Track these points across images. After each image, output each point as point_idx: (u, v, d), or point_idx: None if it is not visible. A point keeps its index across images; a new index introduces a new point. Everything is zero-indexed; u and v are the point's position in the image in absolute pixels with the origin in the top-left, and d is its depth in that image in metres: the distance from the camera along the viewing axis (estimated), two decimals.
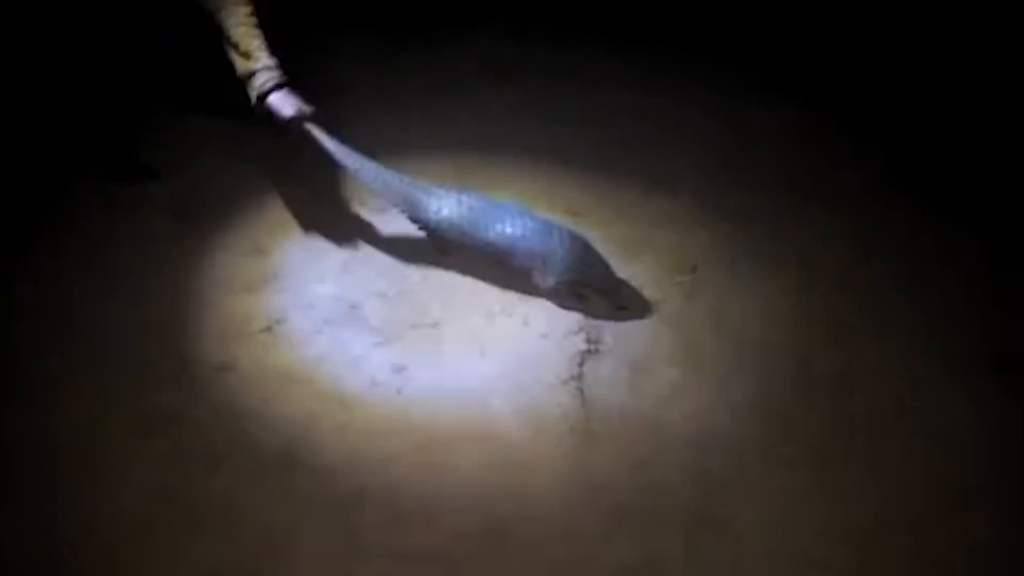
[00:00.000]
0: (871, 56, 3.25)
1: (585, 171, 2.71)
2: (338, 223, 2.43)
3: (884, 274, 2.39)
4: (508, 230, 2.17)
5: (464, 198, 2.21)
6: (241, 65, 2.15)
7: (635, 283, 2.30)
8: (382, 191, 2.25)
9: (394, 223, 2.37)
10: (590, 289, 2.22)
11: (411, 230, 2.29)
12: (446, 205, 2.20)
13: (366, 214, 2.46)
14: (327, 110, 2.25)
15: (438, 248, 2.29)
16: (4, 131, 2.51)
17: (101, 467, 1.78)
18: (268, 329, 2.11)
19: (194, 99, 2.72)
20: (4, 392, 1.92)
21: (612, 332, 2.17)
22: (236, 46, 2.14)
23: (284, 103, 2.14)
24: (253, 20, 2.16)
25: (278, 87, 2.13)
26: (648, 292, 2.28)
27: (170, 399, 1.92)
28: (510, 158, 2.74)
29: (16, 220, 2.38)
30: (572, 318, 2.20)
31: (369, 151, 2.27)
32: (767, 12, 3.47)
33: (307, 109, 2.16)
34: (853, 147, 2.91)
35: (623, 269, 2.32)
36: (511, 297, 2.25)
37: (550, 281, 2.19)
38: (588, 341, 2.14)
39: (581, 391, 2.02)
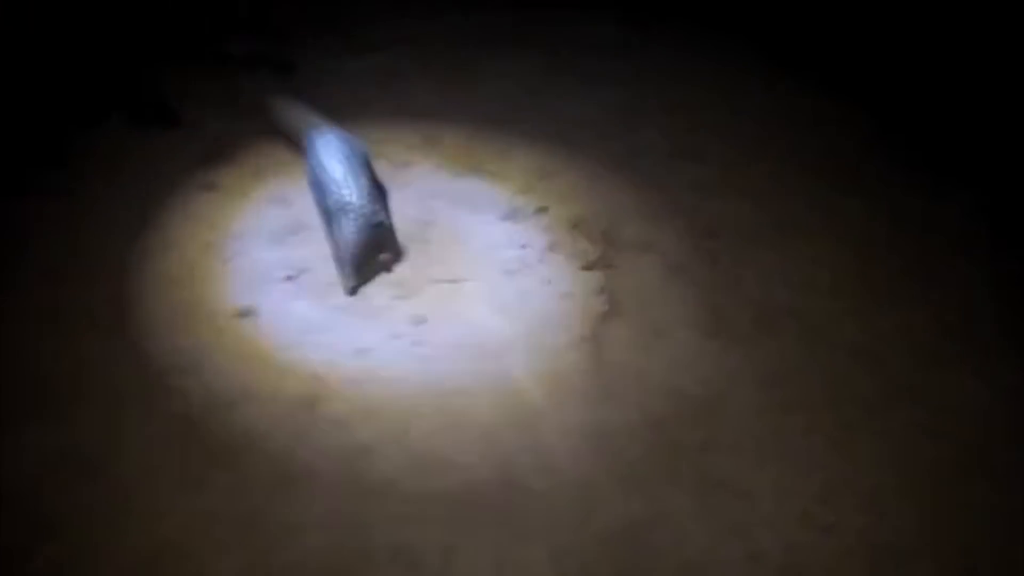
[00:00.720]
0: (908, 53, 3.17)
1: (608, 135, 2.68)
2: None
3: (906, 251, 2.35)
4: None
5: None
6: None
7: (663, 247, 2.28)
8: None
9: (416, 179, 2.38)
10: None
11: (433, 187, 2.30)
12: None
13: (389, 169, 2.47)
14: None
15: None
16: (40, 74, 2.55)
17: (126, 396, 1.83)
18: (290, 278, 2.14)
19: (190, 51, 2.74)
20: (36, 326, 1.98)
21: (633, 295, 2.17)
22: None
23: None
24: None
25: None
26: (672, 257, 2.26)
27: (193, 341, 1.97)
28: (531, 125, 2.73)
29: (49, 163, 2.44)
30: (593, 280, 2.20)
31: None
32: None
33: None
34: (881, 132, 2.85)
35: (645, 233, 2.31)
36: (532, 256, 2.25)
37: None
38: (608, 303, 2.14)
39: (599, 350, 2.02)
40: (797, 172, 2.61)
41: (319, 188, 2.17)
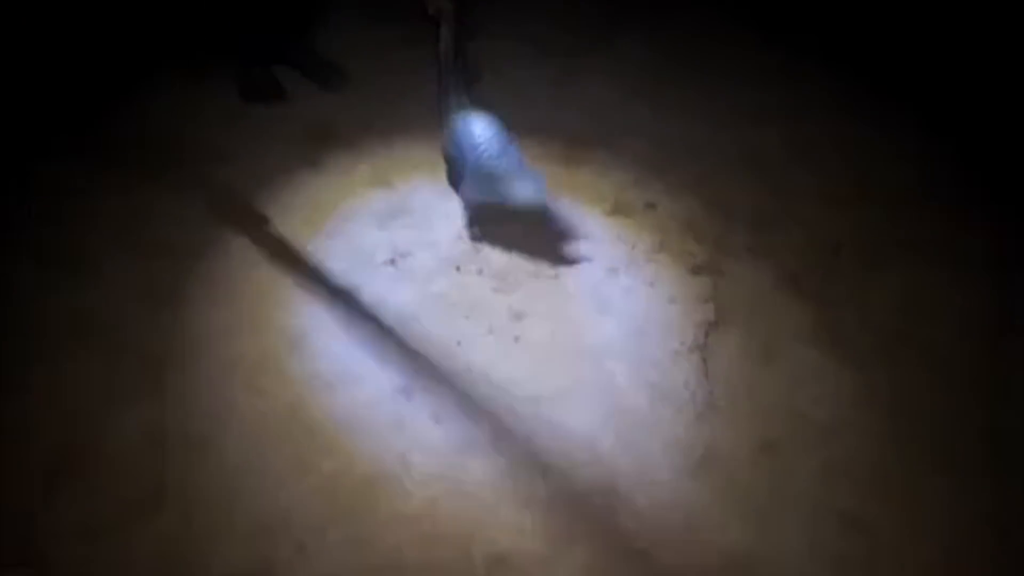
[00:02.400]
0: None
1: (726, 133, 2.54)
2: None
3: None
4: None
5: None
6: None
7: (775, 257, 2.15)
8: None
9: None
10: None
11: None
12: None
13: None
14: None
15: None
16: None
17: (233, 373, 1.84)
18: (392, 262, 2.11)
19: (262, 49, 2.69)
20: (152, 295, 2.01)
21: (743, 305, 2.04)
22: None
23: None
24: None
25: None
26: (787, 268, 2.13)
27: (297, 320, 1.96)
28: (645, 116, 2.61)
29: (155, 133, 2.47)
30: (702, 284, 2.09)
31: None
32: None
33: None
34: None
35: (759, 240, 2.18)
36: (636, 255, 2.16)
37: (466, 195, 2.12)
38: (717, 311, 2.03)
39: (706, 363, 1.92)
40: (927, 189, 2.41)
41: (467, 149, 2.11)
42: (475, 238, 2.16)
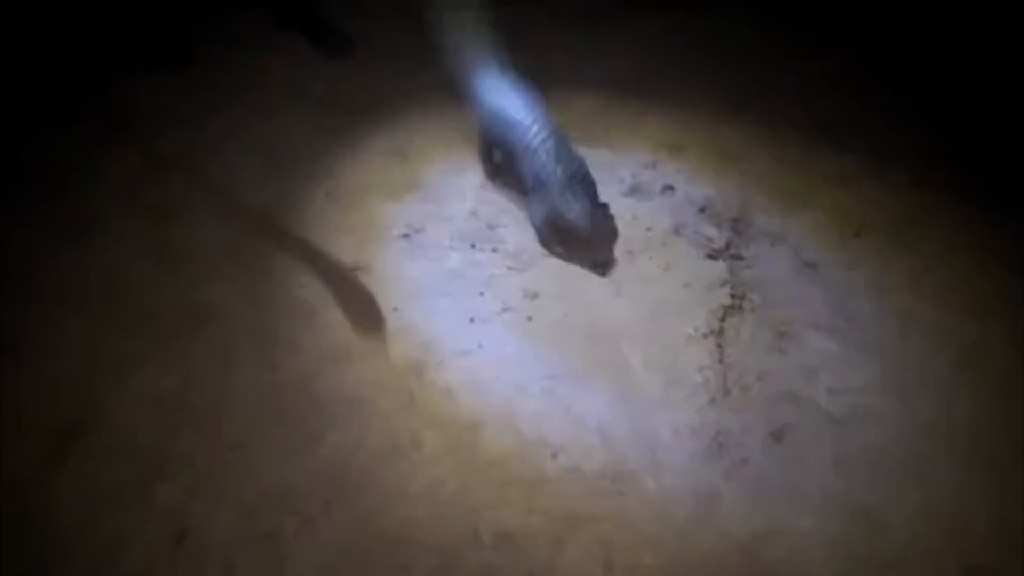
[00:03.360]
0: None
1: (748, 109, 2.49)
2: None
3: None
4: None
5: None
6: None
7: (793, 242, 2.11)
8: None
9: None
10: (570, 238, 2.03)
11: None
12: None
13: None
14: None
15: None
16: None
17: (241, 342, 1.83)
18: (406, 236, 2.08)
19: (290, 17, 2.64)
20: (162, 261, 1.99)
21: (760, 291, 2.02)
22: None
23: None
24: None
25: None
26: (806, 253, 2.09)
27: (307, 292, 1.94)
28: (665, 93, 2.56)
29: (163, 100, 2.44)
30: (718, 270, 2.06)
31: None
32: None
33: None
34: None
35: (778, 223, 2.14)
36: (653, 239, 2.12)
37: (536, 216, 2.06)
38: (733, 296, 2.00)
39: (720, 348, 1.89)
40: (953, 173, 2.36)
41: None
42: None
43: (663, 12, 2.86)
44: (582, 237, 2.01)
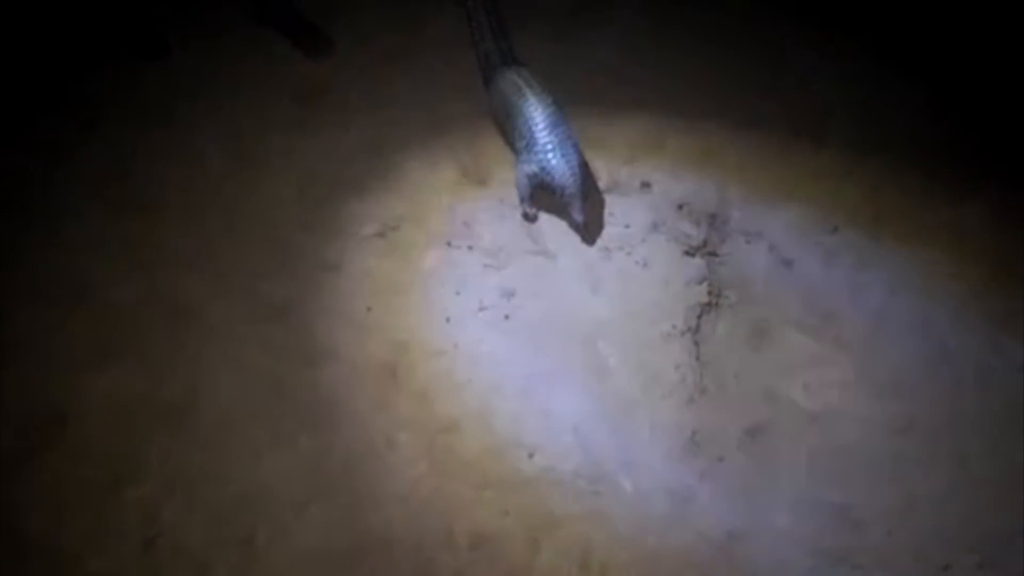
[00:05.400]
0: None
1: (726, 103, 2.47)
2: (459, 135, 2.31)
3: None
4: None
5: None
6: None
7: (770, 238, 2.11)
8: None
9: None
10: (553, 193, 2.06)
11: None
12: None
13: (490, 128, 2.34)
14: None
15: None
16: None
17: (211, 341, 1.80)
18: (380, 235, 2.05)
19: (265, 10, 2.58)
20: (133, 258, 1.95)
21: (737, 287, 2.01)
22: None
23: None
24: None
25: None
26: (783, 250, 2.09)
27: (279, 290, 1.91)
28: (642, 86, 2.54)
29: (145, 89, 2.38)
30: (695, 266, 2.05)
31: None
32: None
33: None
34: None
35: (755, 219, 2.15)
36: (630, 236, 2.11)
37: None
38: (710, 293, 2.00)
39: (697, 345, 1.89)
40: (930, 167, 2.36)
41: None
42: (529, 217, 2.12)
43: (641, 8, 2.83)
44: (568, 194, 2.02)
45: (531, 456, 1.67)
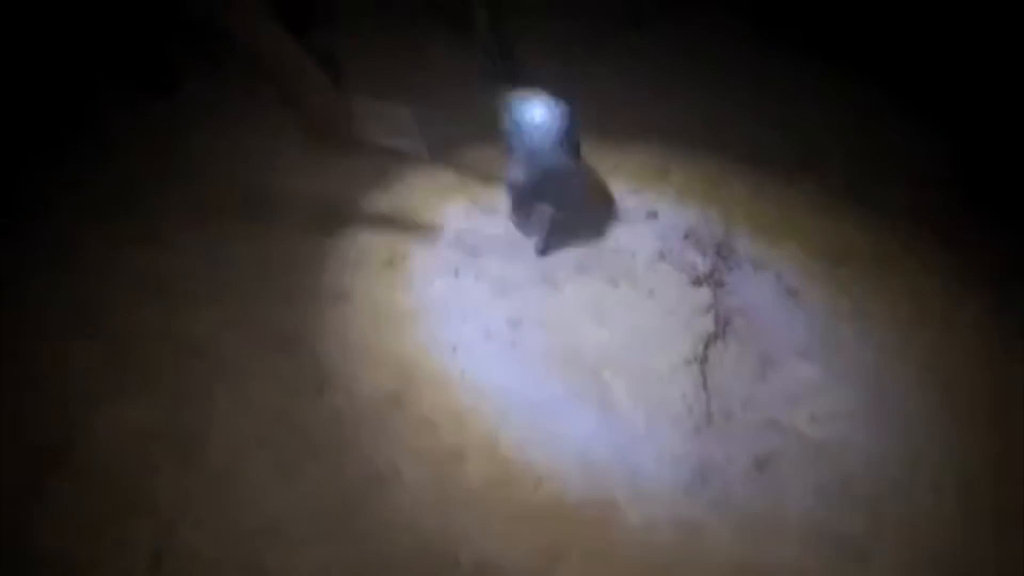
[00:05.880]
0: None
1: (733, 133, 2.50)
2: (467, 166, 2.35)
3: None
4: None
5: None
6: None
7: (776, 268, 2.12)
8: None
9: None
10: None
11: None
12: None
13: (499, 158, 2.37)
14: None
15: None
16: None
17: (220, 372, 1.81)
18: (389, 263, 2.08)
19: None
20: (144, 289, 1.98)
21: (744, 317, 2.02)
22: None
23: None
24: None
25: None
26: (788, 279, 2.10)
27: (288, 321, 1.93)
28: (652, 116, 2.57)
29: (150, 132, 2.43)
30: (701, 296, 2.06)
31: None
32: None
33: None
34: None
35: (760, 249, 2.16)
36: (637, 265, 2.13)
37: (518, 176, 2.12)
38: (716, 323, 2.00)
39: (703, 375, 1.89)
40: (935, 199, 2.37)
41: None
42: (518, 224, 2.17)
43: (648, 42, 2.88)
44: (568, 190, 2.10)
45: (537, 485, 1.67)
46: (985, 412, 1.82)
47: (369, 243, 2.12)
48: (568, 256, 2.13)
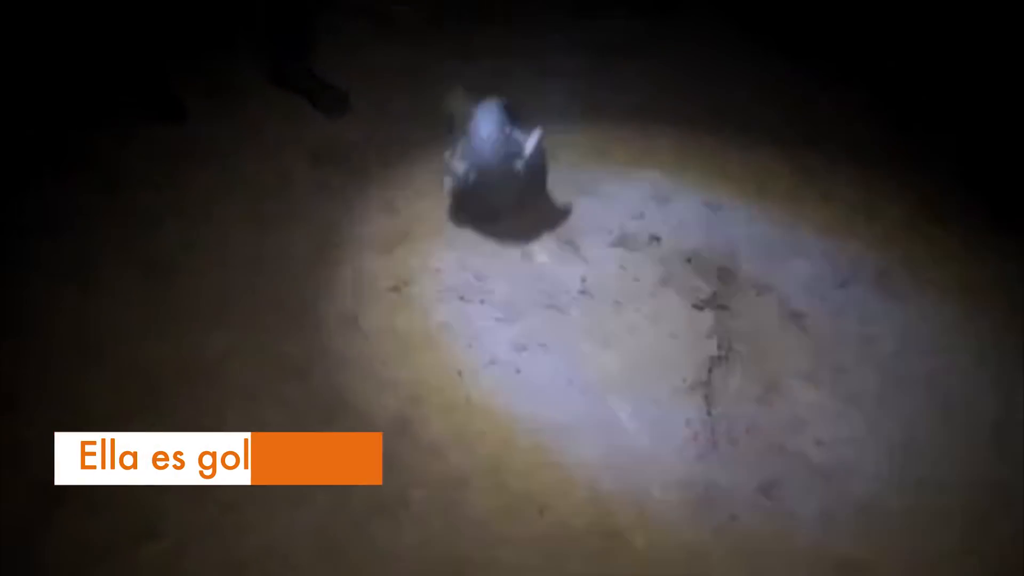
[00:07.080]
0: None
1: (731, 154, 2.53)
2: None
3: None
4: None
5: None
6: None
7: (779, 292, 2.14)
8: None
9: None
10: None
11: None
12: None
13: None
14: None
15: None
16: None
17: (229, 399, 1.83)
18: (395, 289, 2.10)
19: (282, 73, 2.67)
20: (152, 316, 2.00)
21: (747, 341, 2.03)
22: None
23: None
24: None
25: None
26: (792, 303, 2.11)
27: (298, 348, 1.95)
28: (653, 137, 2.60)
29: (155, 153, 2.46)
30: (705, 320, 2.07)
31: None
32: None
33: None
34: None
35: (764, 273, 2.18)
36: (640, 289, 2.15)
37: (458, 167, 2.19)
38: (720, 347, 2.01)
39: (708, 400, 1.90)
40: (939, 221, 2.39)
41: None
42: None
43: (651, 66, 2.91)
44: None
45: (542, 512, 1.67)
46: (990, 439, 1.82)
47: (376, 270, 2.14)
48: (569, 279, 2.14)
